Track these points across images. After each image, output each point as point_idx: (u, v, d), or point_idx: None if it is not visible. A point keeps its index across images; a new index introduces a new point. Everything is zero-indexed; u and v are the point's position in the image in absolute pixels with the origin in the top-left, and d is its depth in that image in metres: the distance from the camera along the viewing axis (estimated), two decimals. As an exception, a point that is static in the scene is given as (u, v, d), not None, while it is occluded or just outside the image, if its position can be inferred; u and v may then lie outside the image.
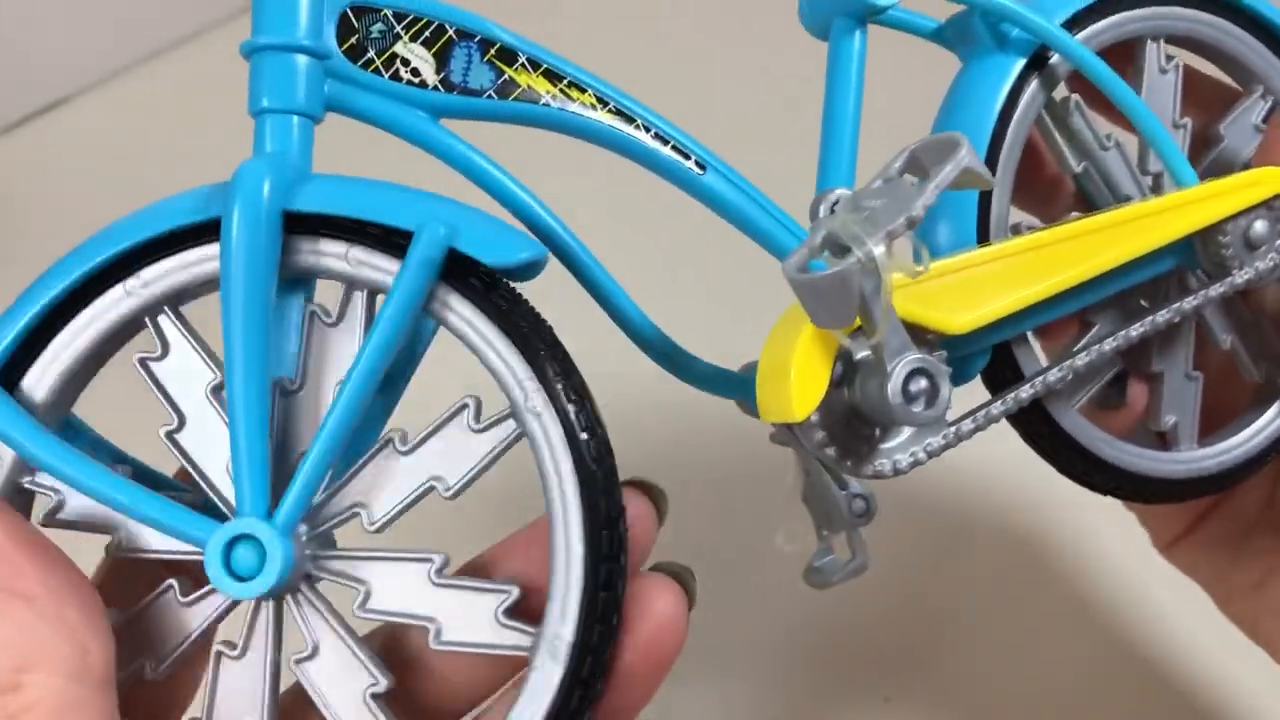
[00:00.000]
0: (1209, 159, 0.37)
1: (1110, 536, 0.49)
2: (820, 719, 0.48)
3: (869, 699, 0.48)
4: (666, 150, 0.31)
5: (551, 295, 0.30)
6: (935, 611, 0.49)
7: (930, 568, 0.49)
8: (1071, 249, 0.32)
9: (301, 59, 0.27)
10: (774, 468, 0.35)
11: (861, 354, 0.29)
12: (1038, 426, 0.34)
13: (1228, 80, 0.38)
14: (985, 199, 0.33)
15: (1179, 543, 0.42)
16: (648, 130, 0.30)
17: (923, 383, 0.28)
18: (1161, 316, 0.33)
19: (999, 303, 0.30)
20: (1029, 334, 0.34)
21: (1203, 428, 0.38)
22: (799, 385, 0.28)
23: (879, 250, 0.24)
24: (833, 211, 0.28)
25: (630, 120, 0.30)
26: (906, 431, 0.29)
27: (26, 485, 0.28)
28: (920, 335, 0.29)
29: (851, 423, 0.29)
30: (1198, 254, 0.34)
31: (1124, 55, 0.36)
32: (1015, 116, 0.34)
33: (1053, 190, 0.38)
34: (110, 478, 0.27)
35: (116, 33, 0.69)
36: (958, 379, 0.33)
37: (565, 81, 0.30)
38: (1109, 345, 0.32)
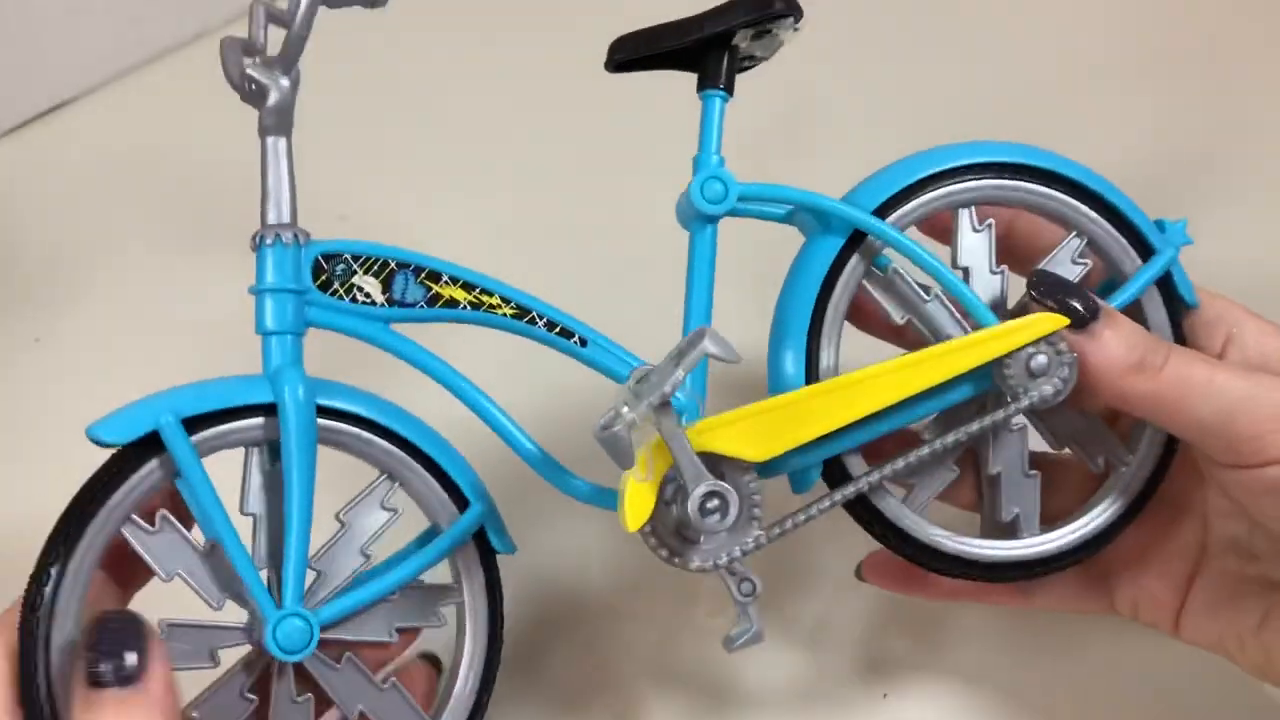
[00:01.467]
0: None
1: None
2: (818, 714, 0.52)
3: (867, 695, 0.52)
4: (555, 333, 0.42)
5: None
6: (935, 607, 0.53)
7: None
8: (870, 387, 0.41)
9: (289, 296, 0.40)
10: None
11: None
12: (880, 529, 0.44)
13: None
14: (814, 352, 0.43)
15: (1182, 618, 0.46)
16: (540, 319, 0.42)
17: (716, 501, 0.38)
18: (950, 438, 0.42)
19: (794, 437, 0.40)
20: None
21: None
22: (629, 506, 0.38)
23: (630, 416, 0.35)
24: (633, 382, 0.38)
25: (526, 313, 0.42)
26: (724, 535, 0.40)
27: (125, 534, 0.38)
28: (737, 463, 0.40)
29: (680, 531, 0.40)
30: (996, 382, 0.43)
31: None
32: (838, 286, 0.43)
33: (899, 336, 0.47)
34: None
35: (118, 35, 0.70)
36: (799, 487, 0.43)
37: (478, 290, 0.42)
38: (900, 463, 0.41)
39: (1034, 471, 0.45)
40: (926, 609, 0.53)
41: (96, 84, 0.70)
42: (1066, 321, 0.42)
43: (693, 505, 0.38)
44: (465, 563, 0.43)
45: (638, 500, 0.38)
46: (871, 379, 0.41)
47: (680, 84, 0.45)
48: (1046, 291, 0.42)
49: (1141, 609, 0.47)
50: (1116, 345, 0.41)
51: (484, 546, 0.43)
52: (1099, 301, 0.42)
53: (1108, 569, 0.48)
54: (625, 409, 0.36)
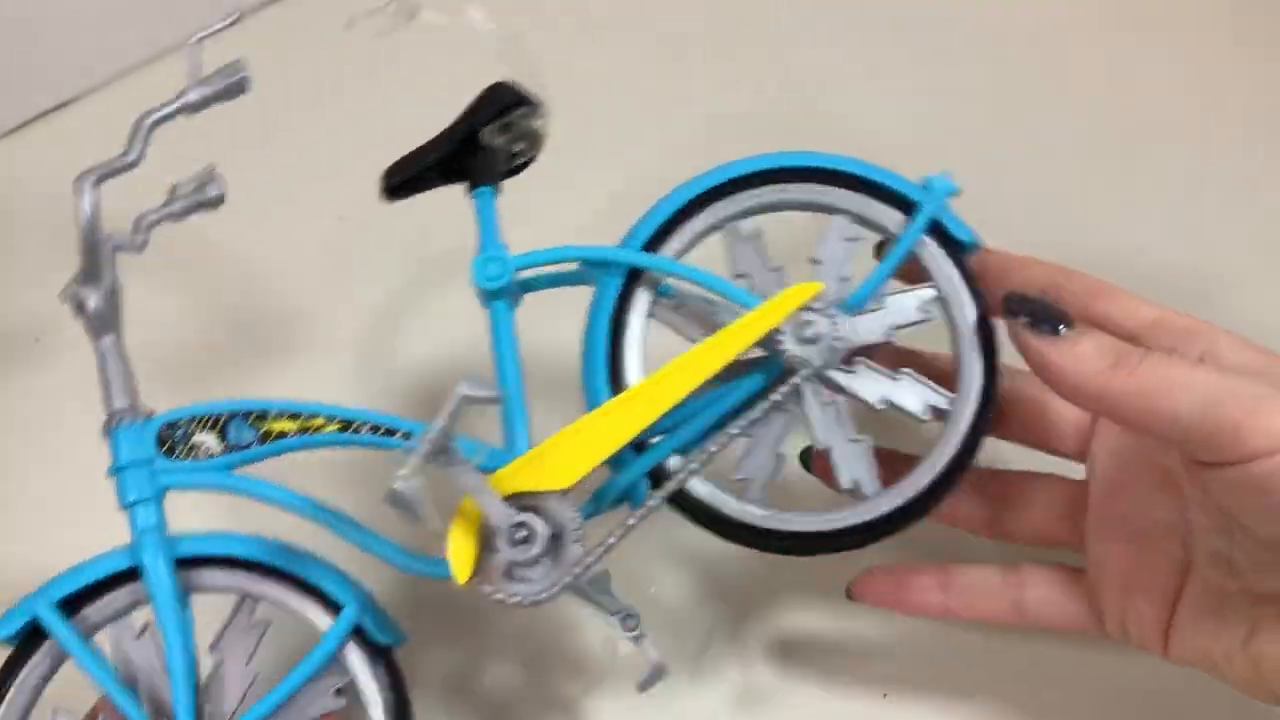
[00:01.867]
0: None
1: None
2: (818, 714, 0.52)
3: (867, 695, 0.52)
4: (380, 434, 0.46)
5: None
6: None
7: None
8: (649, 394, 0.44)
9: (140, 468, 0.45)
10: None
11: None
12: (698, 516, 0.46)
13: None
14: (619, 386, 0.46)
15: (1170, 635, 0.46)
16: (364, 426, 0.46)
17: (524, 532, 0.41)
18: (743, 420, 0.44)
19: (591, 458, 0.43)
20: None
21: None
22: (453, 560, 0.41)
23: (405, 473, 0.39)
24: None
25: (350, 424, 0.46)
26: (548, 563, 0.42)
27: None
28: (549, 495, 0.43)
29: (510, 573, 0.42)
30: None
31: None
32: (629, 321, 0.47)
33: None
34: None
35: (119, 35, 0.70)
36: (634, 502, 0.45)
37: (303, 416, 0.46)
38: (705, 453, 0.44)
39: (860, 437, 0.46)
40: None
41: (96, 84, 0.70)
42: (820, 287, 0.44)
43: (503, 541, 0.41)
44: (358, 663, 0.45)
45: (458, 554, 0.42)
46: (649, 387, 0.44)
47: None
48: (1017, 310, 0.43)
49: (1130, 629, 0.47)
50: (1089, 347, 0.42)
51: (373, 643, 0.46)
52: (1069, 315, 0.43)
53: (1095, 590, 0.48)
54: (403, 470, 0.39)
